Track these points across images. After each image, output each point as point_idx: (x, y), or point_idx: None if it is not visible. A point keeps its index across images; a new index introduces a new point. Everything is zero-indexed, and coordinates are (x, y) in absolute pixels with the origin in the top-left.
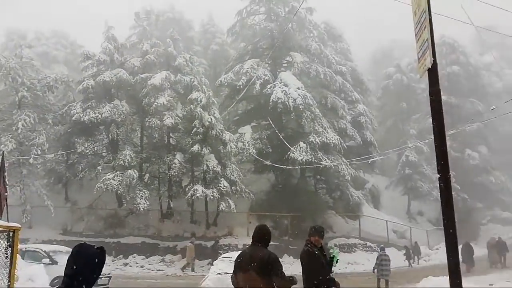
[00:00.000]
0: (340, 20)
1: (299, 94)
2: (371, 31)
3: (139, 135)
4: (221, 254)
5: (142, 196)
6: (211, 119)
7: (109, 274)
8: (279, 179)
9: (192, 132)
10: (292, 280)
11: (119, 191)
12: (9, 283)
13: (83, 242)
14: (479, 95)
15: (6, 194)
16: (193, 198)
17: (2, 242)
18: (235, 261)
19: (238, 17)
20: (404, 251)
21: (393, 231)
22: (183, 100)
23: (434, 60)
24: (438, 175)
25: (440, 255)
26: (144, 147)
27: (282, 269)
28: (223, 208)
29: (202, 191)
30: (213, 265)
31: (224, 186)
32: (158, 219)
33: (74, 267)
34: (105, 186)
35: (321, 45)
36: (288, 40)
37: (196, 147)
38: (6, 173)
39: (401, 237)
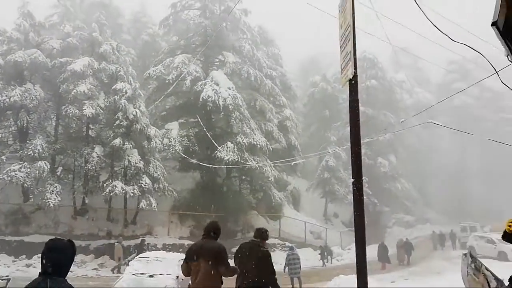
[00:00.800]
0: (273, 26)
1: (229, 94)
2: (302, 39)
3: (54, 124)
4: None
5: (53, 191)
6: (136, 112)
7: (8, 276)
8: (204, 178)
9: (115, 124)
10: (235, 270)
11: (25, 184)
12: None
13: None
14: (392, 109)
15: None
16: (111, 194)
17: None
18: (188, 250)
19: (172, 9)
20: (319, 251)
21: (310, 232)
22: (107, 90)
23: (355, 72)
24: (352, 180)
25: (351, 255)
26: (59, 137)
27: (228, 259)
28: (144, 206)
29: (122, 187)
30: (128, 265)
31: (146, 183)
32: (70, 216)
33: (52, 261)
34: (9, 178)
35: (253, 48)
36: (221, 39)
37: (117, 141)
38: None
39: (317, 238)
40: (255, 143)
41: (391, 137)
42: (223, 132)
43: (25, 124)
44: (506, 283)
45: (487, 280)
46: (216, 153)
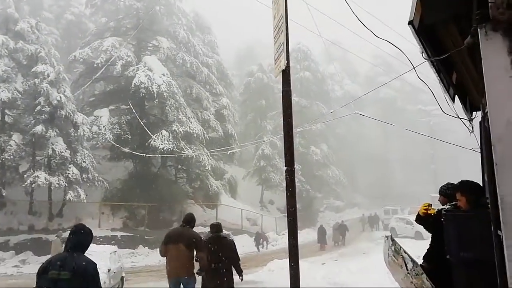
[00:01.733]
0: (209, 13)
1: (164, 81)
2: (238, 28)
3: None
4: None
5: None
6: (60, 97)
7: None
8: (137, 167)
9: (35, 110)
10: (206, 256)
11: None
12: None
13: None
14: (324, 100)
15: None
16: (33, 186)
17: None
18: (166, 235)
19: None
20: (254, 237)
21: (247, 219)
22: (25, 72)
23: (288, 63)
24: (285, 168)
25: (286, 240)
26: None
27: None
28: (71, 198)
29: (45, 178)
30: None
31: (73, 173)
32: None
33: (75, 240)
34: None
35: (189, 34)
36: (155, 23)
37: (39, 128)
38: None
39: (253, 224)
40: (191, 131)
41: (322, 126)
42: (158, 120)
43: None
44: (421, 259)
45: (404, 261)
46: (150, 141)
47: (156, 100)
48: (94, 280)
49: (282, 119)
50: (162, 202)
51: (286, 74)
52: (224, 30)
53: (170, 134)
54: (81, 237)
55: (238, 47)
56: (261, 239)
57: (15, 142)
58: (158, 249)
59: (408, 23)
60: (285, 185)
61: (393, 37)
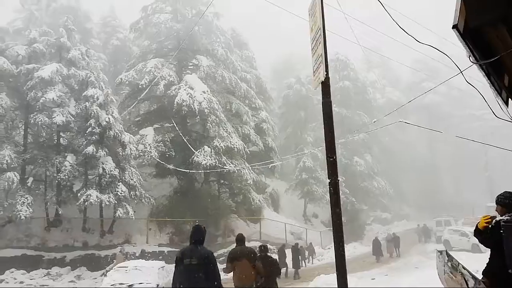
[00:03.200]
0: (246, 28)
1: (204, 98)
2: (275, 42)
3: (23, 133)
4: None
5: (24, 202)
6: (109, 118)
7: None
8: (181, 183)
9: (87, 132)
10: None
11: None
12: None
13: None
14: (366, 109)
15: None
16: (86, 204)
17: None
18: (230, 254)
19: (142, 13)
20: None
21: (291, 233)
22: (77, 96)
23: (327, 74)
24: (328, 180)
25: (332, 254)
26: (29, 146)
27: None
28: (120, 215)
29: (97, 196)
30: (106, 276)
31: (122, 191)
32: (43, 228)
33: (197, 235)
34: None
35: (227, 51)
36: (194, 43)
37: (90, 148)
38: None
39: (298, 238)
40: (232, 146)
41: (365, 136)
42: (200, 136)
43: None
44: (480, 275)
45: (464, 279)
46: (193, 157)
47: (198, 117)
48: (214, 265)
49: (323, 130)
50: (206, 217)
51: (325, 85)
52: (261, 44)
53: (212, 150)
54: (200, 234)
55: (275, 60)
56: (308, 254)
57: (69, 162)
58: None
59: (453, 27)
60: (329, 197)
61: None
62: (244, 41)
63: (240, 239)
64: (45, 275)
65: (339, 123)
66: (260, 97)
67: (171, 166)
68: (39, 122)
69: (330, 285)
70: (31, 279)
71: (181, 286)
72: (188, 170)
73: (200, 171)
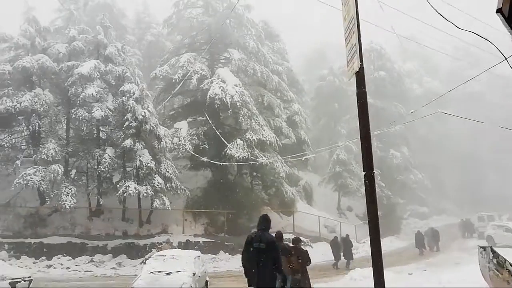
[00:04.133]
0: (277, 20)
1: (236, 91)
2: (307, 33)
3: (65, 127)
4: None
5: (68, 193)
6: (144, 112)
7: (30, 277)
8: (215, 175)
9: (124, 126)
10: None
11: (41, 188)
12: None
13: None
14: (402, 99)
15: None
16: (125, 195)
17: None
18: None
19: (175, 8)
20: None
21: (325, 226)
22: (114, 91)
23: (361, 64)
24: (364, 173)
25: (367, 248)
26: (71, 140)
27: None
28: (157, 206)
29: (135, 187)
30: (145, 264)
31: (158, 182)
32: (86, 217)
33: (263, 223)
34: (25, 182)
35: (258, 44)
36: (226, 36)
37: (128, 142)
38: None
39: (331, 232)
40: (264, 139)
41: (402, 128)
42: (232, 129)
43: (37, 128)
44: None
45: None
46: (226, 150)
47: (230, 110)
48: (277, 250)
49: (357, 122)
50: (240, 209)
51: (360, 75)
52: (293, 36)
53: (245, 143)
54: (266, 222)
55: (307, 52)
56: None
57: (108, 155)
58: (238, 255)
59: (496, 11)
60: (363, 191)
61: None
62: (275, 33)
63: (279, 237)
64: (89, 262)
65: (374, 115)
66: (292, 89)
67: (204, 159)
68: (80, 117)
69: (366, 278)
70: (76, 265)
71: (251, 265)
72: (221, 163)
73: (233, 164)
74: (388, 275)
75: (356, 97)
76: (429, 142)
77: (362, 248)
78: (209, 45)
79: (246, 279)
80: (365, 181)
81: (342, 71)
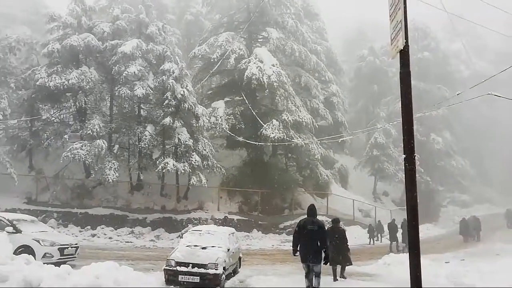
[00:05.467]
0: None
1: (273, 71)
2: (346, 11)
3: (109, 104)
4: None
5: (111, 167)
6: (183, 91)
7: (76, 244)
8: (251, 155)
9: (164, 104)
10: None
11: (87, 161)
12: None
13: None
14: (447, 82)
15: None
16: (163, 171)
17: None
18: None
19: None
20: (367, 229)
21: (359, 210)
22: (155, 70)
23: (406, 42)
24: (404, 155)
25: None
26: (114, 117)
27: None
28: (194, 182)
29: (173, 164)
30: (182, 238)
31: (195, 160)
32: (127, 191)
33: (313, 211)
34: (72, 156)
35: (297, 23)
36: (264, 15)
37: (167, 120)
38: None
39: (366, 216)
40: (300, 120)
41: (445, 112)
42: (268, 109)
43: (83, 105)
44: None
45: None
46: (262, 131)
47: (267, 90)
48: (325, 232)
49: (397, 104)
50: (274, 189)
51: (404, 54)
52: (333, 15)
53: (280, 123)
54: (315, 211)
55: (347, 31)
56: (377, 232)
57: (149, 132)
58: (271, 234)
59: None
60: (401, 176)
61: None
62: (315, 12)
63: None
64: (129, 233)
65: (416, 97)
66: (330, 69)
67: (240, 138)
68: (123, 94)
69: (401, 264)
70: (118, 236)
71: (305, 245)
72: (256, 143)
73: (268, 144)
74: (425, 262)
75: (398, 78)
76: (475, 127)
77: (397, 234)
78: (248, 24)
79: (295, 255)
80: (405, 165)
81: (383, 51)
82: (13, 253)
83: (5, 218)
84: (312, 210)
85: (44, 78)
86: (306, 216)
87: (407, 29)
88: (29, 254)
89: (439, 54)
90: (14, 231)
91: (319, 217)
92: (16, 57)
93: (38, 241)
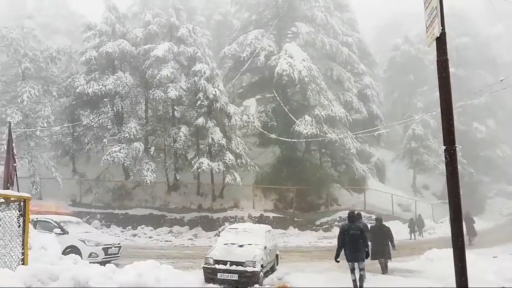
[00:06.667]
0: None
1: (304, 66)
2: (377, 0)
3: (144, 107)
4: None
5: (148, 169)
6: (215, 91)
7: (119, 244)
8: (284, 152)
9: (197, 104)
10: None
11: (125, 164)
12: (23, 250)
13: None
14: (488, 67)
15: (15, 164)
16: (199, 171)
17: (14, 211)
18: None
19: None
20: (408, 224)
21: (398, 205)
22: (187, 72)
23: (443, 29)
24: (444, 147)
25: (445, 228)
26: (149, 119)
27: None
28: (229, 181)
29: (208, 164)
30: (219, 236)
31: (229, 159)
32: (165, 191)
33: (353, 216)
34: (112, 159)
35: (327, 15)
36: (293, 10)
37: (200, 120)
38: (14, 144)
39: (405, 210)
40: (333, 114)
41: (487, 99)
42: (300, 105)
43: (120, 109)
44: None
45: None
46: (294, 127)
47: (298, 86)
48: (364, 233)
49: (435, 94)
50: (308, 186)
51: (441, 41)
52: (364, 4)
53: (313, 119)
54: (354, 216)
55: (378, 21)
56: (417, 227)
57: (183, 133)
58: (308, 231)
59: None
60: (442, 168)
61: None
62: (344, 3)
63: (359, 215)
64: (168, 232)
65: (455, 85)
66: (363, 61)
67: (273, 136)
68: (157, 97)
69: (444, 259)
70: (157, 235)
71: (348, 248)
72: (290, 139)
73: (301, 140)
74: (470, 257)
75: (435, 66)
76: None
77: (439, 229)
78: (276, 20)
79: (336, 260)
80: (445, 156)
81: (418, 40)
82: (62, 253)
83: (53, 220)
84: (352, 217)
85: (83, 85)
86: (345, 216)
87: (443, 15)
88: (76, 254)
89: (479, 39)
90: (61, 232)
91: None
92: (57, 66)
93: (84, 242)
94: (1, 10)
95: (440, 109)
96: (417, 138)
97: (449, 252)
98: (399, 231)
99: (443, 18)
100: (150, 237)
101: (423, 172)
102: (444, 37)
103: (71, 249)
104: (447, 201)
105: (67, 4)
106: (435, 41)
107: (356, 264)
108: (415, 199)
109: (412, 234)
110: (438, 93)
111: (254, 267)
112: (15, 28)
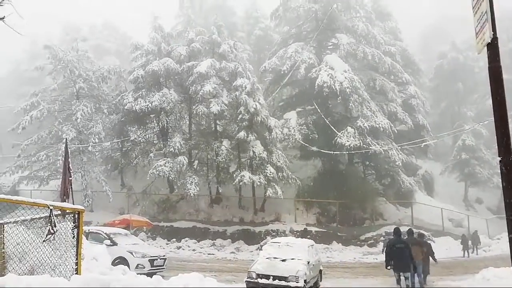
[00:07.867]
0: None
1: (345, 77)
2: (421, 7)
3: (188, 122)
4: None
5: (192, 182)
6: (256, 105)
7: (164, 256)
8: (326, 165)
9: (238, 118)
10: None
11: (170, 177)
12: (76, 260)
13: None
14: None
15: (70, 178)
16: (240, 184)
17: (69, 223)
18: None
19: (281, 0)
20: (460, 240)
21: (449, 219)
22: (228, 87)
23: (494, 34)
24: (499, 158)
25: (502, 245)
26: (193, 134)
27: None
28: (270, 194)
29: (249, 177)
30: (262, 250)
31: (270, 172)
32: (207, 204)
33: (399, 233)
34: (157, 172)
35: (368, 25)
36: (333, 22)
37: (242, 134)
38: (70, 159)
39: (457, 226)
40: (377, 126)
41: None
42: (342, 117)
43: (165, 124)
44: None
45: None
46: (336, 139)
47: (339, 97)
48: (409, 247)
49: (486, 102)
50: (352, 199)
51: (493, 47)
52: (407, 12)
53: (356, 130)
54: (400, 232)
55: (423, 29)
56: (472, 243)
57: (225, 147)
58: (352, 246)
59: None
60: (497, 180)
61: None
62: (386, 12)
63: (410, 232)
64: (211, 245)
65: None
66: (407, 70)
67: (314, 148)
68: (200, 112)
69: (502, 279)
70: (201, 248)
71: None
72: (331, 152)
73: (344, 153)
74: None
75: (486, 74)
76: None
77: (496, 245)
78: (316, 33)
79: (388, 267)
80: (501, 168)
81: (467, 46)
82: (111, 264)
83: (103, 232)
84: (398, 232)
85: (131, 103)
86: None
87: (494, 19)
88: (124, 265)
89: None
90: (111, 244)
91: (403, 228)
92: (107, 85)
93: (131, 253)
94: (58, 35)
95: (493, 118)
96: (468, 149)
97: (508, 272)
98: (450, 247)
99: (494, 23)
100: (193, 250)
101: (475, 185)
102: (496, 42)
103: (120, 260)
104: (504, 216)
105: (117, 26)
106: (486, 47)
107: (402, 274)
108: (468, 213)
109: (466, 251)
110: (490, 101)
111: (297, 282)
112: (70, 51)
